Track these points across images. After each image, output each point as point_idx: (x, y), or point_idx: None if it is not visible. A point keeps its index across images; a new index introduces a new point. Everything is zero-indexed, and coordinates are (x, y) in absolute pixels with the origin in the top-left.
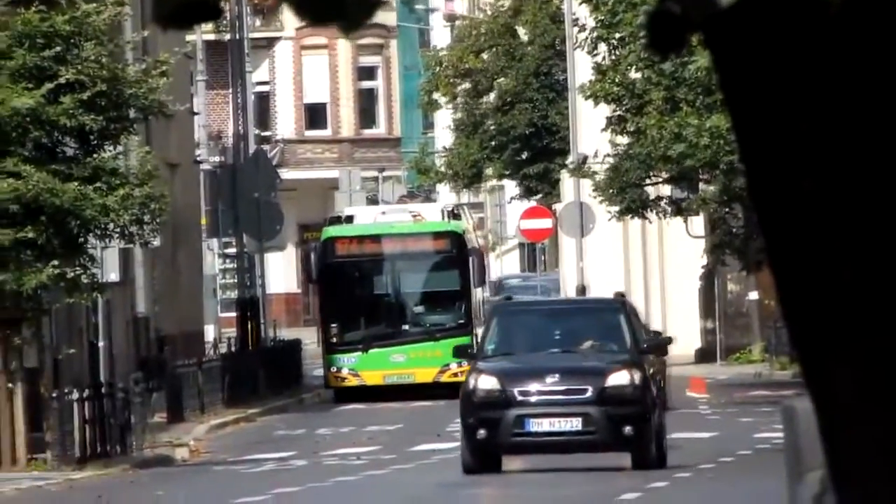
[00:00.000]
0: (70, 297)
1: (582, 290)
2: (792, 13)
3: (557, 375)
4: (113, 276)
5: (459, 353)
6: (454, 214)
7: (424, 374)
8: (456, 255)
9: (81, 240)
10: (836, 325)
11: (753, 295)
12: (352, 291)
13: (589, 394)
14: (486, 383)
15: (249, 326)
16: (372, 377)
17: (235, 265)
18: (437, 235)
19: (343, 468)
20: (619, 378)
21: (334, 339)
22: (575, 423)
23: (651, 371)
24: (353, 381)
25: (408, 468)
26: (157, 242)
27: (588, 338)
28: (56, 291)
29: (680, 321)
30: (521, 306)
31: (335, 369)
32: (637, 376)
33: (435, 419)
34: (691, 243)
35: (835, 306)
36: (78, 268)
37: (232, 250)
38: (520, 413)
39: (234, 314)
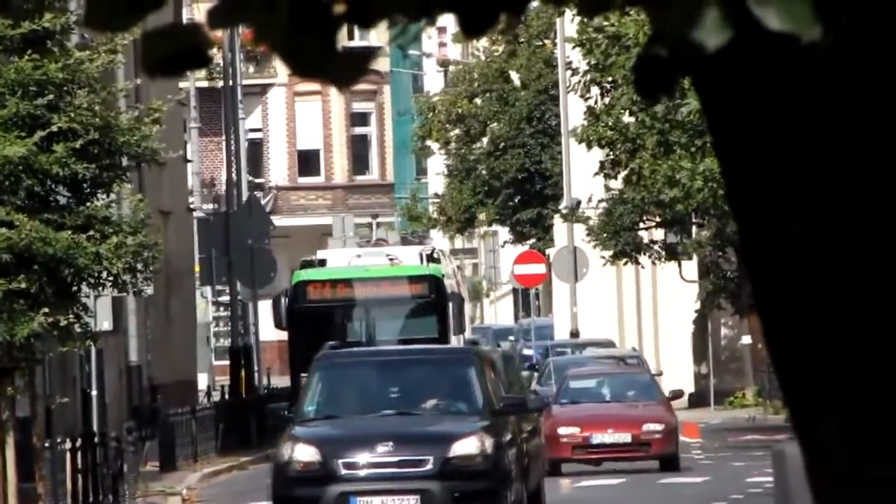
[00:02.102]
0: (63, 346)
1: (575, 335)
2: (779, 57)
3: (391, 443)
4: (106, 324)
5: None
6: (432, 258)
7: None
8: (434, 300)
9: (74, 288)
10: (826, 373)
11: (746, 339)
12: (323, 338)
13: (429, 466)
14: (304, 454)
15: (242, 374)
16: None
17: (229, 313)
18: (415, 280)
19: None
20: (467, 446)
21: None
22: (411, 502)
23: (510, 437)
24: None
25: None
26: (150, 291)
27: (431, 396)
28: (49, 340)
29: (673, 365)
30: (349, 357)
31: None
32: (489, 444)
33: None
34: (684, 288)
35: (824, 354)
36: (71, 316)
37: (225, 298)
38: (344, 490)
39: (227, 362)
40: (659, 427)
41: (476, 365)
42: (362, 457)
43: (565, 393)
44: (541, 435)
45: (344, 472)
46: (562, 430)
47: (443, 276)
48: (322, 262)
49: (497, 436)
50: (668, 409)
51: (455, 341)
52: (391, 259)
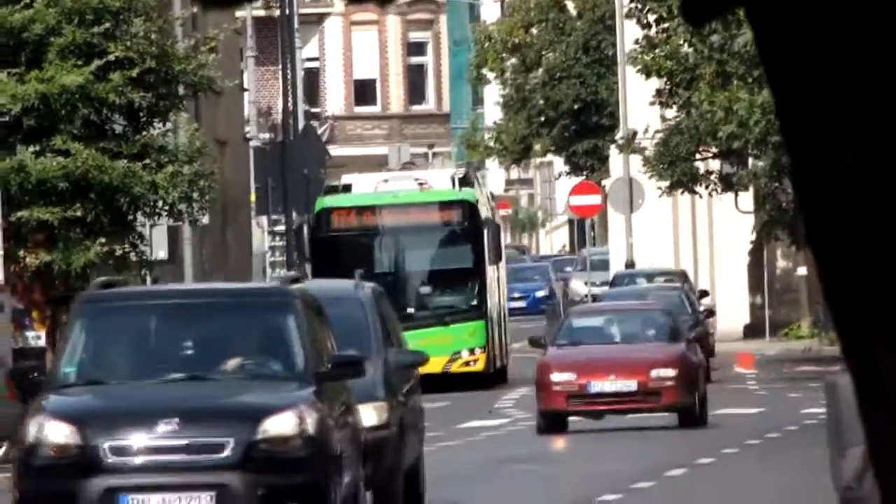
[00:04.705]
0: (118, 275)
1: (630, 265)
2: None
3: (177, 420)
4: (161, 253)
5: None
6: (465, 181)
7: (432, 364)
8: (468, 227)
9: (130, 217)
10: (879, 308)
11: (802, 270)
12: (349, 269)
13: (228, 452)
14: (56, 433)
15: None
16: None
17: (284, 243)
18: (446, 205)
19: None
20: (281, 424)
21: None
22: (204, 501)
23: (343, 409)
24: None
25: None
26: (205, 220)
27: (234, 354)
28: (105, 269)
29: (729, 296)
30: (122, 299)
31: None
32: (311, 420)
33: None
34: (741, 218)
35: (877, 289)
36: (126, 245)
37: (281, 227)
38: (111, 484)
39: None
40: (671, 373)
41: (296, 311)
42: (137, 438)
43: (565, 333)
44: (418, 397)
45: (111, 459)
46: (555, 377)
47: (476, 200)
48: (347, 188)
49: (323, 409)
50: (687, 352)
51: (491, 272)
52: (420, 183)
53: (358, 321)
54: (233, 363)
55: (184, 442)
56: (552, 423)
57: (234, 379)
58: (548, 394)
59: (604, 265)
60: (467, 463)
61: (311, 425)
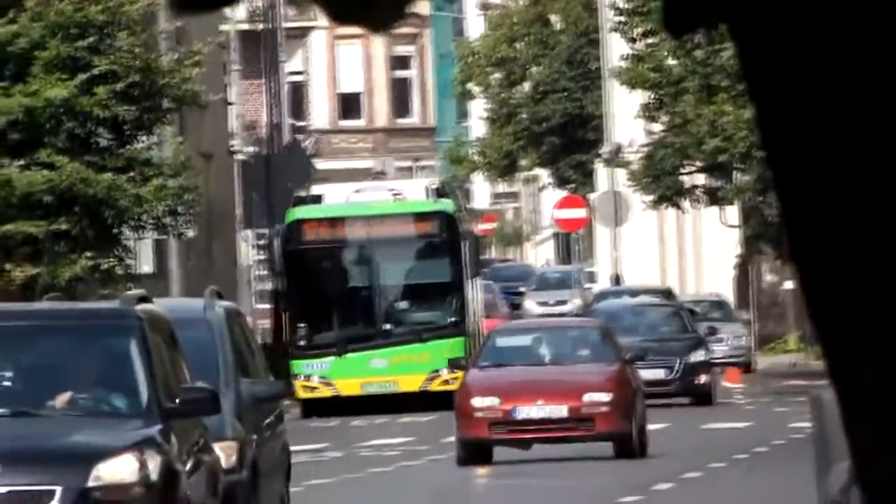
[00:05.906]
0: (104, 289)
1: (616, 279)
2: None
3: None
4: (147, 267)
5: None
6: (441, 192)
7: (410, 382)
8: (446, 239)
9: (116, 231)
10: (861, 323)
11: (789, 284)
12: (322, 284)
13: (56, 501)
14: None
15: (284, 318)
16: (347, 386)
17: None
18: (423, 217)
19: (378, 459)
20: (118, 468)
21: (302, 342)
22: None
23: (195, 449)
24: (325, 392)
25: (442, 458)
26: (191, 233)
27: (66, 387)
28: (90, 283)
29: None
30: None
31: (303, 377)
32: (154, 464)
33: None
34: (726, 233)
35: (860, 304)
36: (112, 259)
37: (266, 241)
38: None
39: (269, 305)
40: (605, 398)
41: (139, 336)
42: None
43: (488, 353)
44: (281, 434)
45: None
46: (476, 402)
47: (454, 211)
48: (317, 199)
49: (170, 451)
50: (623, 374)
51: (469, 286)
52: (395, 194)
53: (205, 347)
54: (64, 397)
55: (3, 490)
56: (474, 453)
57: (66, 416)
58: (468, 421)
59: (561, 284)
60: (453, 476)
61: (154, 470)
